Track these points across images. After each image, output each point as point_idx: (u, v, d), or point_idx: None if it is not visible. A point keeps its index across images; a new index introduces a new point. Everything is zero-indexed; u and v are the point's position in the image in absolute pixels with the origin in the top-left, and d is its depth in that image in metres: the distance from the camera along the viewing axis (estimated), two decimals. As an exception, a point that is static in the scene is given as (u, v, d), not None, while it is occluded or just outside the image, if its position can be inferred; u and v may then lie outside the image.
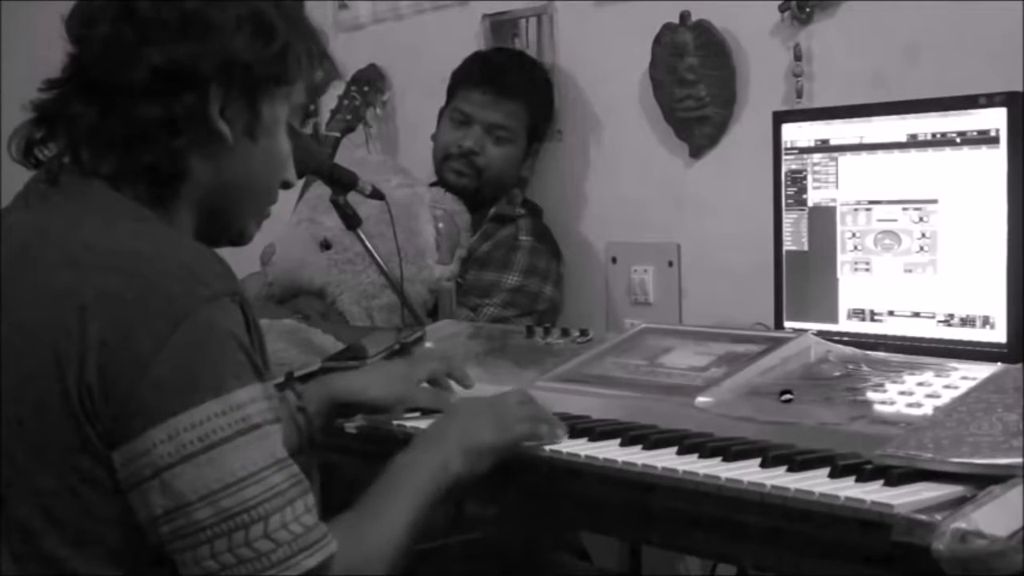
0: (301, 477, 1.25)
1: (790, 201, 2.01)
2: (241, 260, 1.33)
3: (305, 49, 1.40)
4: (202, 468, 1.19)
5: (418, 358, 1.85)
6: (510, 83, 2.69)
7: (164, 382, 1.20)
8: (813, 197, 1.99)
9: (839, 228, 1.95)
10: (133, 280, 1.23)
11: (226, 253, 1.33)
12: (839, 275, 1.96)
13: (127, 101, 1.31)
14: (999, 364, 1.58)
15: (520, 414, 1.57)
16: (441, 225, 2.57)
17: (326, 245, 2.57)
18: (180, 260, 1.26)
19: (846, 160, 1.95)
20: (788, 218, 2.02)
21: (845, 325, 1.94)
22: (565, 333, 2.05)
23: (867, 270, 1.93)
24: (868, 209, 1.92)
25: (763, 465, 1.37)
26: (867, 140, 1.92)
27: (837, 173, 1.96)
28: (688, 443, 1.47)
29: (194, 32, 1.31)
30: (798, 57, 2.35)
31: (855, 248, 1.94)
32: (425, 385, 1.78)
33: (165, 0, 1.31)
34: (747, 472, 1.35)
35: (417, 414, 1.75)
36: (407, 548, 1.36)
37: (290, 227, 2.65)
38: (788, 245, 2.02)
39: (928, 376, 1.57)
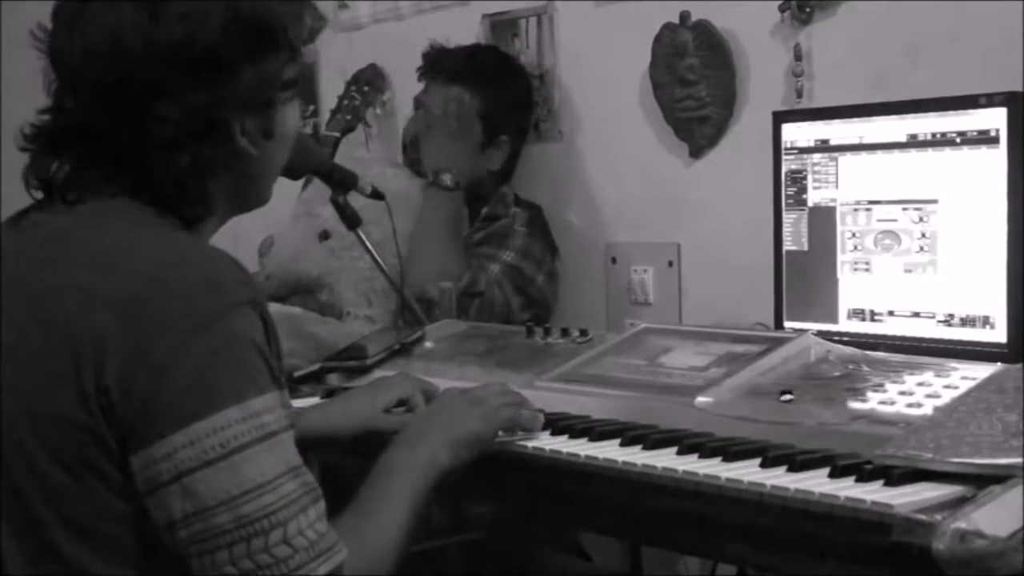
0: (314, 485, 1.26)
1: (790, 201, 2.01)
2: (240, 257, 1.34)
3: (298, 34, 1.39)
4: (222, 474, 1.20)
5: (382, 382, 1.81)
6: (451, 69, 2.71)
7: (185, 388, 1.20)
8: (813, 197, 1.99)
9: (839, 228, 1.95)
10: (155, 286, 1.23)
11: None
12: (839, 275, 1.96)
13: (157, 154, 1.30)
14: (999, 364, 1.58)
15: (501, 401, 1.58)
16: None
17: (325, 236, 2.56)
18: (202, 268, 1.27)
19: (846, 160, 1.95)
20: (788, 218, 2.02)
21: (845, 325, 1.94)
22: (565, 333, 2.04)
23: (867, 270, 1.93)
24: (868, 209, 1.92)
25: (763, 465, 1.37)
26: (867, 140, 1.92)
27: (837, 173, 1.95)
28: (688, 443, 1.47)
29: (201, 77, 1.30)
30: (798, 57, 2.35)
31: (855, 248, 1.94)
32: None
33: (156, 40, 1.28)
34: (747, 472, 1.35)
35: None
36: (405, 546, 1.37)
37: (289, 222, 2.65)
38: (788, 245, 2.02)
39: (928, 376, 1.57)
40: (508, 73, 2.77)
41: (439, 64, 2.74)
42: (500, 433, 1.57)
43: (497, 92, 2.71)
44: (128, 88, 1.29)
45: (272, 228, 2.69)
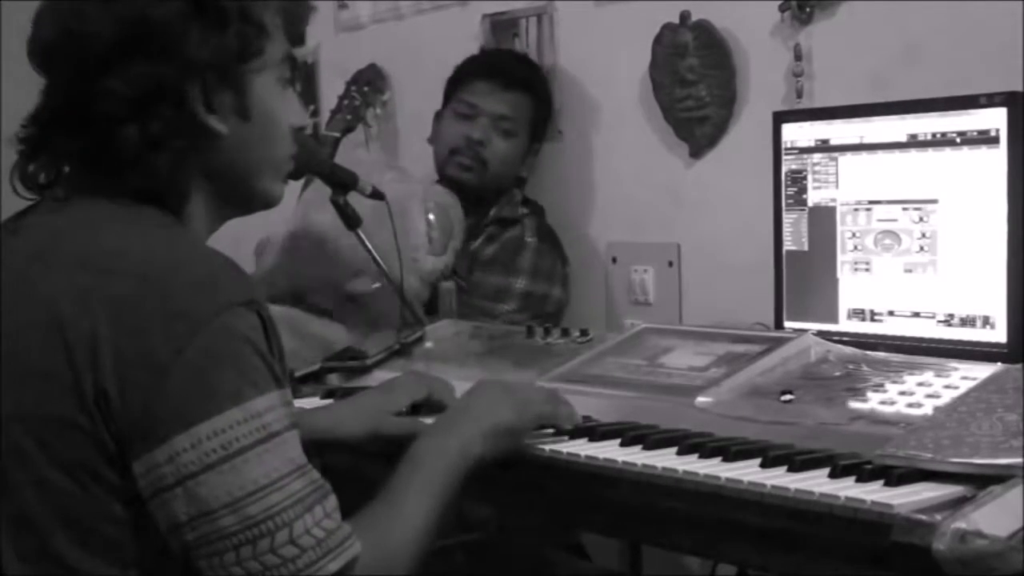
0: (322, 482, 1.25)
1: (790, 201, 2.01)
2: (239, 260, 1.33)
3: (264, 7, 1.38)
4: (225, 476, 1.19)
5: (394, 384, 1.80)
6: (515, 74, 2.71)
7: (185, 390, 1.20)
8: (813, 197, 1.99)
9: (839, 228, 1.95)
10: (150, 287, 1.22)
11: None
12: (839, 275, 1.96)
13: (107, 129, 1.30)
14: (999, 364, 1.58)
15: (539, 395, 1.57)
16: (432, 216, 2.54)
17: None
18: (197, 268, 1.26)
19: (846, 160, 1.95)
20: (788, 218, 2.02)
21: (845, 325, 1.94)
22: (565, 333, 2.04)
23: (867, 270, 1.93)
24: (868, 209, 1.92)
25: (763, 465, 1.37)
26: (867, 140, 1.92)
27: (837, 173, 1.96)
28: (688, 443, 1.47)
29: (146, 48, 1.29)
30: (798, 57, 2.35)
31: (855, 248, 1.94)
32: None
33: (109, 18, 1.29)
34: (747, 472, 1.35)
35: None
36: (431, 536, 1.35)
37: (283, 224, 2.64)
38: (788, 245, 2.02)
39: (928, 376, 1.58)
40: (544, 82, 2.78)
41: (501, 69, 2.71)
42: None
43: (543, 100, 2.74)
44: (80, 68, 1.29)
45: (268, 226, 2.68)
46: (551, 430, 1.57)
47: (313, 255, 2.44)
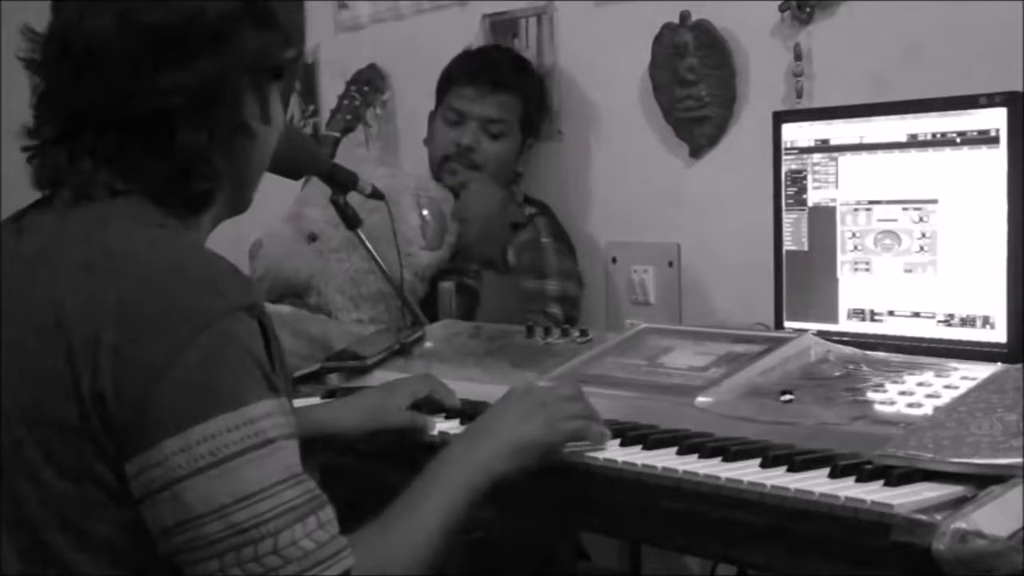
0: (317, 492, 1.23)
1: (790, 201, 2.01)
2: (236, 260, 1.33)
3: (292, 22, 1.38)
4: (213, 481, 1.18)
5: (397, 383, 1.81)
6: (500, 75, 2.69)
7: (179, 393, 1.18)
8: (813, 197, 1.99)
9: (839, 228, 1.95)
10: (151, 290, 1.22)
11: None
12: (839, 275, 1.96)
13: (159, 130, 1.28)
14: (999, 364, 1.58)
15: (570, 411, 1.53)
16: (425, 212, 2.54)
17: (312, 238, 2.56)
18: (199, 272, 1.25)
19: (846, 160, 1.95)
20: (788, 218, 2.02)
21: (845, 325, 1.94)
22: (565, 333, 2.04)
23: (867, 270, 1.93)
24: (868, 209, 1.92)
25: (763, 465, 1.37)
26: (867, 140, 1.92)
27: (837, 173, 1.95)
28: (688, 443, 1.47)
29: (213, 42, 1.28)
30: (798, 57, 2.35)
31: (855, 248, 1.94)
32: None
33: (170, 12, 1.27)
34: (747, 472, 1.35)
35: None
36: (441, 549, 1.34)
37: (277, 224, 2.64)
38: (788, 245, 2.02)
39: (928, 376, 1.57)
40: (535, 77, 2.77)
41: (486, 71, 2.69)
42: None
43: (535, 98, 2.73)
44: (141, 62, 1.27)
45: (263, 226, 2.67)
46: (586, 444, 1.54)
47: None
